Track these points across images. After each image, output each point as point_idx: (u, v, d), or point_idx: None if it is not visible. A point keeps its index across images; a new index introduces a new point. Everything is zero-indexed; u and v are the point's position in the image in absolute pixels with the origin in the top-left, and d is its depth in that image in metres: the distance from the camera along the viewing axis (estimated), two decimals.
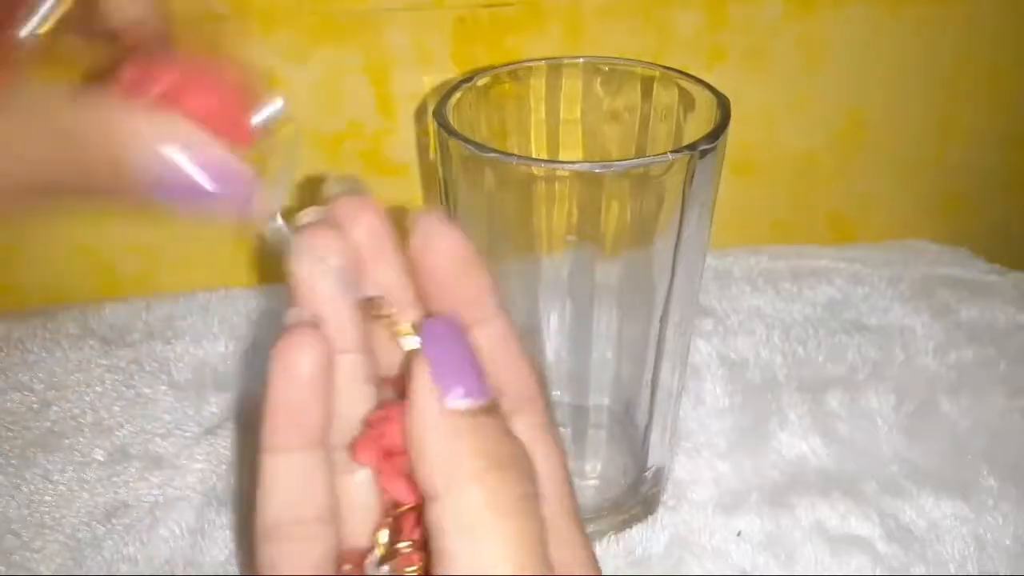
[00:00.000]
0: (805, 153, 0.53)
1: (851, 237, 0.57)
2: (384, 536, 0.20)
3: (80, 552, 0.37)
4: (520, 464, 0.18)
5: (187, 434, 0.43)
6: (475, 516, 0.17)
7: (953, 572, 0.36)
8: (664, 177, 0.30)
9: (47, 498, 0.39)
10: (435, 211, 0.21)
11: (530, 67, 0.35)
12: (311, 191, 0.22)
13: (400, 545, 0.20)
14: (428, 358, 0.18)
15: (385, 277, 0.21)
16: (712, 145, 0.29)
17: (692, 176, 0.29)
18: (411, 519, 0.20)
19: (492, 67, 0.34)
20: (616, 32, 0.48)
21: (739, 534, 0.37)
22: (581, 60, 0.35)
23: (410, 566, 0.19)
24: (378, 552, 0.20)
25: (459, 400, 0.18)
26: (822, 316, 0.50)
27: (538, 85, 0.35)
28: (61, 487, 0.40)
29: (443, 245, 0.20)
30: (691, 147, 0.28)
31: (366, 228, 0.21)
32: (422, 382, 0.18)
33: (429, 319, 0.19)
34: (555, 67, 0.35)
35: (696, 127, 0.32)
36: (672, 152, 0.28)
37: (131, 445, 0.42)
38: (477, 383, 0.18)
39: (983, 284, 0.52)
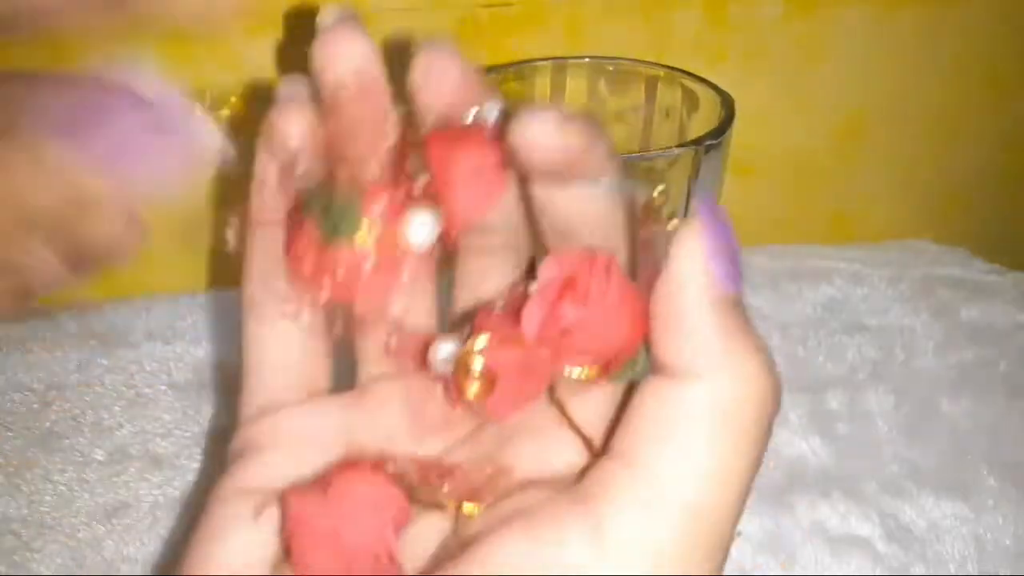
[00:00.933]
0: (805, 153, 0.53)
1: (851, 237, 0.57)
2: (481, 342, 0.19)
3: (80, 552, 0.37)
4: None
5: (187, 434, 0.43)
6: (734, 407, 0.17)
7: (953, 572, 0.36)
8: (669, 172, 0.30)
9: (47, 498, 0.39)
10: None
11: (535, 67, 0.35)
12: None
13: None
14: (706, 239, 0.17)
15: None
16: (717, 141, 0.29)
17: (697, 172, 0.29)
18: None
19: (496, 67, 0.34)
20: (616, 32, 0.47)
21: (739, 534, 0.37)
22: (586, 60, 0.35)
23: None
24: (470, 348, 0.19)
25: (730, 285, 0.17)
26: (822, 316, 0.50)
27: (543, 84, 0.35)
28: (61, 487, 0.40)
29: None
30: (696, 142, 0.28)
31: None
32: (697, 261, 0.17)
33: (703, 203, 0.18)
34: (560, 67, 0.35)
35: (700, 126, 0.32)
36: (678, 146, 0.28)
37: (131, 445, 0.42)
38: (739, 273, 0.17)
39: (983, 284, 0.52)
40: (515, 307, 0.19)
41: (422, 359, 0.20)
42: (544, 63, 0.35)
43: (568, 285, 0.19)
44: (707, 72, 0.33)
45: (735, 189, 0.45)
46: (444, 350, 0.20)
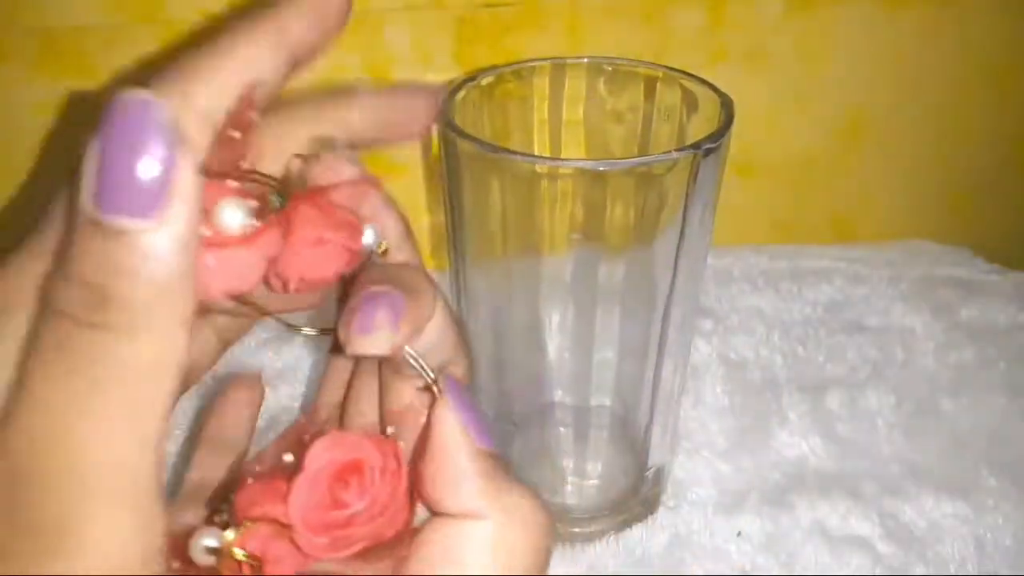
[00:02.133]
0: (805, 153, 0.53)
1: (851, 237, 0.57)
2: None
3: None
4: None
5: (188, 433, 0.43)
6: (511, 541, 0.19)
7: (953, 572, 0.36)
8: (667, 176, 0.30)
9: None
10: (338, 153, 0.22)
11: (534, 67, 0.35)
12: None
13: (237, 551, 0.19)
14: (457, 408, 0.20)
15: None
16: (716, 144, 0.29)
17: (695, 175, 0.29)
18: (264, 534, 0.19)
19: (496, 66, 0.34)
20: (616, 32, 0.47)
21: (739, 534, 0.37)
22: (585, 60, 0.35)
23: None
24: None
25: (485, 441, 0.20)
26: (822, 316, 0.50)
27: (542, 85, 0.35)
28: None
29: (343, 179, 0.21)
30: (695, 146, 0.28)
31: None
32: (454, 425, 0.20)
33: (448, 376, 0.20)
34: (559, 67, 0.35)
35: (699, 127, 0.32)
36: (676, 151, 0.28)
37: None
38: (489, 432, 0.20)
39: (983, 284, 0.52)
40: (273, 475, 0.20)
41: (182, 552, 0.19)
42: (543, 63, 0.35)
43: (351, 470, 0.19)
44: (707, 72, 0.33)
45: (735, 189, 0.45)
46: (204, 541, 0.19)
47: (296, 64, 0.19)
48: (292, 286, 0.20)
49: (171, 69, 0.17)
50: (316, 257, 0.20)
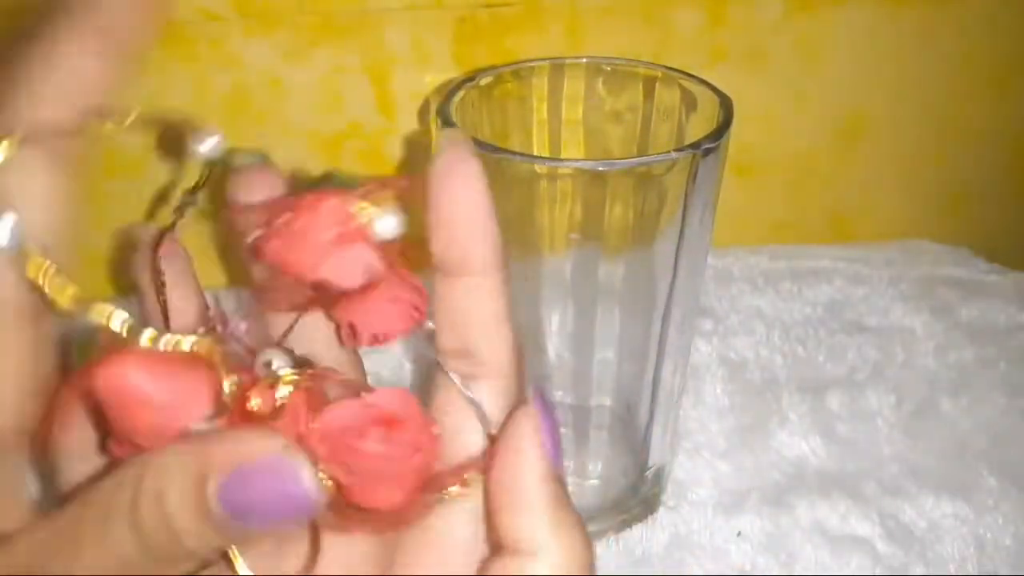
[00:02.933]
0: (805, 153, 0.53)
1: (851, 237, 0.57)
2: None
3: None
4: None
5: None
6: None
7: (953, 572, 0.36)
8: (667, 176, 0.30)
9: None
10: (459, 142, 0.21)
11: (532, 67, 0.35)
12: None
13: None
14: (540, 425, 0.19)
15: None
16: (715, 144, 0.29)
17: (695, 175, 0.29)
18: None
19: (495, 67, 0.34)
20: (616, 32, 0.48)
21: (739, 534, 0.37)
22: (584, 60, 0.35)
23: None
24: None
25: (557, 463, 0.19)
26: (822, 316, 0.50)
27: (540, 85, 0.35)
28: None
29: (460, 185, 0.20)
30: (694, 146, 0.28)
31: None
32: (534, 443, 0.19)
33: (536, 392, 0.20)
34: (558, 67, 0.35)
35: (698, 127, 0.32)
36: (676, 151, 0.28)
37: None
38: (561, 453, 0.20)
39: (983, 284, 0.52)
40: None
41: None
42: (542, 63, 0.35)
43: (390, 423, 0.19)
44: (707, 72, 0.33)
45: (735, 189, 0.45)
46: (270, 359, 0.19)
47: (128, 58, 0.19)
48: (364, 341, 0.21)
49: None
50: (389, 315, 0.21)
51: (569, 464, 0.39)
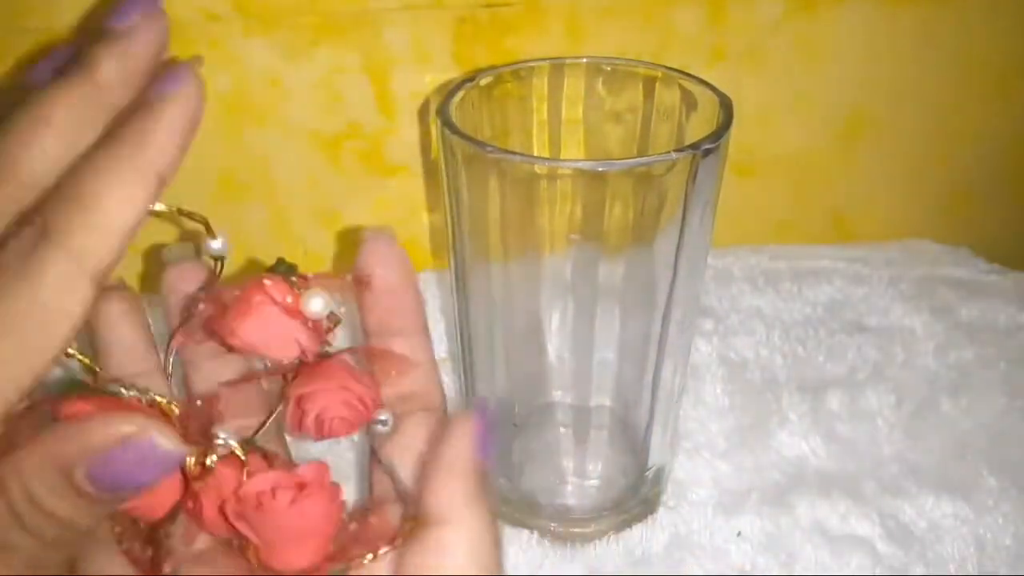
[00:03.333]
0: (805, 153, 0.53)
1: (851, 237, 0.57)
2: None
3: None
4: None
5: None
6: (480, 544, 0.22)
7: (953, 572, 0.36)
8: (667, 176, 0.30)
9: None
10: (383, 232, 0.26)
11: (532, 67, 0.35)
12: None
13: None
14: (477, 430, 0.23)
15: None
16: (715, 145, 0.29)
17: (695, 175, 0.29)
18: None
19: (494, 67, 0.34)
20: (616, 32, 0.47)
21: (739, 534, 0.37)
22: (584, 60, 0.35)
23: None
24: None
25: (485, 460, 0.23)
26: (822, 316, 0.50)
27: (540, 85, 0.35)
28: None
29: (389, 261, 0.25)
30: (694, 146, 0.28)
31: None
32: (468, 443, 0.23)
33: (480, 405, 0.25)
34: (558, 67, 0.35)
35: (698, 127, 0.32)
36: (676, 151, 0.28)
37: None
38: (489, 451, 0.23)
39: (983, 284, 0.52)
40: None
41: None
42: (541, 63, 0.35)
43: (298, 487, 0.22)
44: (707, 72, 0.33)
45: (735, 190, 0.45)
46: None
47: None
48: (310, 422, 0.24)
49: (53, 223, 0.19)
50: (336, 400, 0.23)
51: (569, 464, 0.39)
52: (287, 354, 0.23)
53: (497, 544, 0.23)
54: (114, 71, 0.20)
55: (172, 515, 0.23)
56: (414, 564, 0.22)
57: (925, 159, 0.54)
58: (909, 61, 0.51)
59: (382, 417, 0.25)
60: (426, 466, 0.23)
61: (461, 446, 0.23)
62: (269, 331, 0.22)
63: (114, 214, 0.19)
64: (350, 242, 0.51)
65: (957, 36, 0.50)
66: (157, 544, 0.22)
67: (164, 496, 0.22)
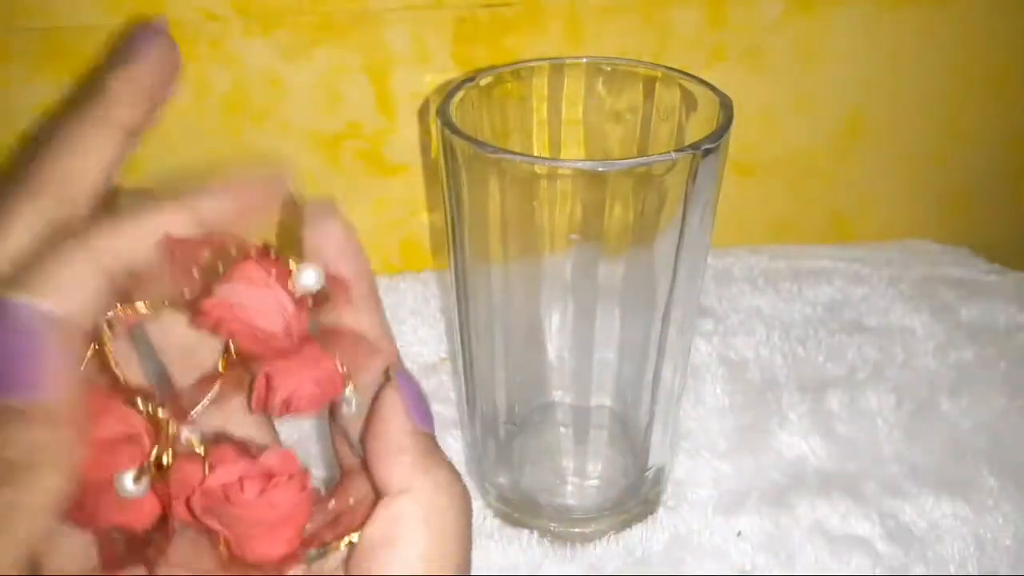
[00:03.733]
0: (805, 153, 0.53)
1: (851, 237, 0.57)
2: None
3: None
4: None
5: None
6: (439, 510, 0.21)
7: (953, 572, 0.36)
8: (667, 176, 0.30)
9: None
10: (325, 202, 0.24)
11: (532, 67, 0.35)
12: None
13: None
14: (403, 390, 0.22)
15: None
16: (715, 145, 0.29)
17: (695, 175, 0.29)
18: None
19: (494, 67, 0.34)
20: (616, 32, 0.48)
21: (739, 534, 0.37)
22: (584, 60, 0.35)
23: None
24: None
25: (425, 425, 0.22)
26: (822, 316, 0.50)
27: (540, 85, 0.35)
28: None
29: (331, 232, 0.23)
30: (694, 146, 0.28)
31: None
32: (397, 406, 0.22)
33: (399, 371, 0.23)
34: (557, 67, 0.35)
35: (698, 127, 0.32)
36: (676, 151, 0.28)
37: None
38: (430, 417, 0.23)
39: (983, 284, 0.52)
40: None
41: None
42: (541, 63, 0.35)
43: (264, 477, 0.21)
44: (707, 72, 0.33)
45: (735, 189, 0.45)
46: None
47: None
48: (277, 401, 0.22)
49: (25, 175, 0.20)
50: (305, 377, 0.22)
51: (569, 464, 0.39)
52: (271, 322, 0.22)
53: (457, 507, 0.22)
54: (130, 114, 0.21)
55: (156, 527, 0.22)
56: (370, 539, 0.21)
57: (925, 159, 0.54)
58: (909, 61, 0.51)
59: (347, 395, 0.24)
60: (366, 444, 0.22)
61: (393, 419, 0.22)
62: (253, 295, 0.22)
63: (78, 167, 0.20)
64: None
65: (957, 36, 0.50)
66: (137, 550, 0.22)
67: (147, 508, 0.22)
